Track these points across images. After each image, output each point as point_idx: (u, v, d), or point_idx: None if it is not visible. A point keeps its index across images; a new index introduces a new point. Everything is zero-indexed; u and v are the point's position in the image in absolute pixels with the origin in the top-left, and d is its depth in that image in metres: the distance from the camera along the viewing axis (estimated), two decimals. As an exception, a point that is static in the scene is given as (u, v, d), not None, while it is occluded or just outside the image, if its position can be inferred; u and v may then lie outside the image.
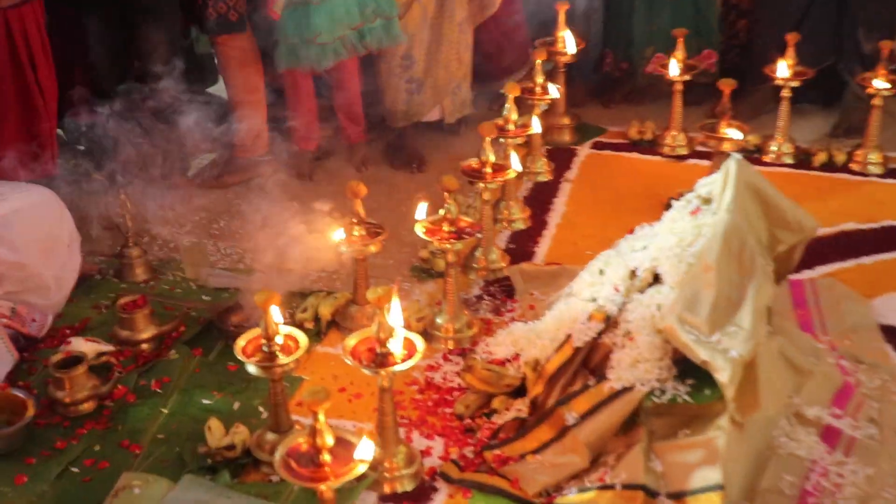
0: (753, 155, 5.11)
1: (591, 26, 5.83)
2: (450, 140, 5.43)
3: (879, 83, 4.86)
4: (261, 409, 3.38)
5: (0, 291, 3.62)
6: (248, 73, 4.98)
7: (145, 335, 3.72)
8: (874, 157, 4.98)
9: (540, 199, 4.82)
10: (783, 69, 4.97)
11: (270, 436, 3.15)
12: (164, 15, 4.80)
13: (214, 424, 3.20)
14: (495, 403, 3.32)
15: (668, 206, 4.18)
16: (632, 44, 5.76)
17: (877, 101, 4.91)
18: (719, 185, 3.16)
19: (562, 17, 5.23)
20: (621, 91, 5.97)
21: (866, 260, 4.23)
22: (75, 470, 3.16)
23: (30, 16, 4.09)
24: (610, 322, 3.16)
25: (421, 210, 3.72)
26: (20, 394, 3.34)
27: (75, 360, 3.40)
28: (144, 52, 4.76)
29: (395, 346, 2.92)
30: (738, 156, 3.23)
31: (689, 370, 2.99)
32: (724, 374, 2.86)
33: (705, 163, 4.82)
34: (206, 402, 3.43)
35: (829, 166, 5.04)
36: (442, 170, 4.69)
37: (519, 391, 3.33)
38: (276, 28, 4.69)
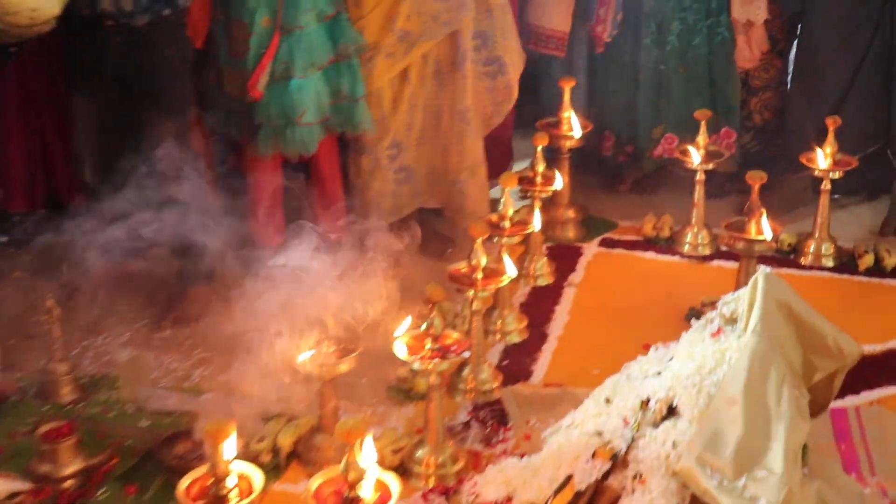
0: (788, 256, 5.15)
1: (582, 100, 5.81)
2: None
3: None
4: (206, 560, 3.33)
5: None
6: None
7: (70, 470, 3.63)
8: (930, 259, 5.00)
9: (539, 306, 4.80)
10: (822, 159, 5.00)
11: None
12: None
13: (150, 578, 3.16)
14: (483, 555, 3.28)
15: (689, 317, 4.22)
16: (636, 123, 5.81)
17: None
18: (745, 302, 3.16)
19: (566, 96, 5.27)
20: (628, 180, 6.02)
21: (921, 384, 4.20)
22: None
23: None
24: (618, 461, 3.13)
25: (403, 325, 3.68)
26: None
27: (-19, 503, 3.35)
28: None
29: (366, 491, 2.88)
30: (767, 269, 3.23)
31: (710, 519, 2.96)
32: (751, 527, 2.84)
33: (732, 265, 4.86)
34: (142, 553, 3.39)
35: (877, 270, 5.05)
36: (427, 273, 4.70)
37: (511, 541, 3.30)
38: (255, 109, 4.68)
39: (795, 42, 5.80)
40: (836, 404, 3.80)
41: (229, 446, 2.95)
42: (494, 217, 4.44)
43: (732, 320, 3.18)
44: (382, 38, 4.90)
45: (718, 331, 3.19)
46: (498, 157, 5.51)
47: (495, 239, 4.36)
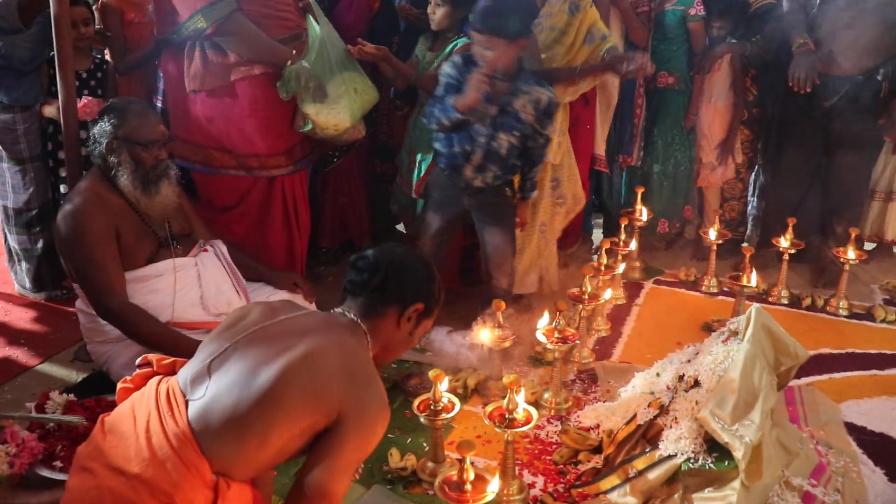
0: (762, 297, 4.90)
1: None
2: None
3: (849, 255, 4.69)
4: (425, 444, 3.33)
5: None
6: None
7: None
8: (843, 304, 4.73)
9: (619, 316, 4.67)
10: (784, 241, 4.82)
11: (430, 464, 3.12)
12: None
13: (394, 452, 3.19)
14: (581, 457, 3.23)
15: (704, 328, 4.09)
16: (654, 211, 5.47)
17: (846, 267, 4.71)
18: (744, 323, 3.05)
19: (639, 196, 5.11)
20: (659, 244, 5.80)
21: (837, 375, 3.99)
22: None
23: (297, 181, 3.96)
24: (663, 410, 3.05)
25: (543, 320, 3.63)
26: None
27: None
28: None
29: (518, 414, 2.87)
30: (757, 305, 3.11)
31: (715, 447, 2.85)
32: (739, 453, 2.74)
33: (730, 299, 4.68)
34: (390, 436, 3.40)
35: (813, 307, 4.79)
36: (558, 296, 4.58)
37: (597, 450, 3.24)
38: None
39: (755, 172, 5.54)
40: (789, 384, 3.66)
41: (442, 383, 2.99)
42: (596, 264, 4.37)
43: (735, 333, 3.06)
44: None
45: (727, 339, 3.07)
46: (572, 236, 5.11)
47: (595, 277, 4.27)
